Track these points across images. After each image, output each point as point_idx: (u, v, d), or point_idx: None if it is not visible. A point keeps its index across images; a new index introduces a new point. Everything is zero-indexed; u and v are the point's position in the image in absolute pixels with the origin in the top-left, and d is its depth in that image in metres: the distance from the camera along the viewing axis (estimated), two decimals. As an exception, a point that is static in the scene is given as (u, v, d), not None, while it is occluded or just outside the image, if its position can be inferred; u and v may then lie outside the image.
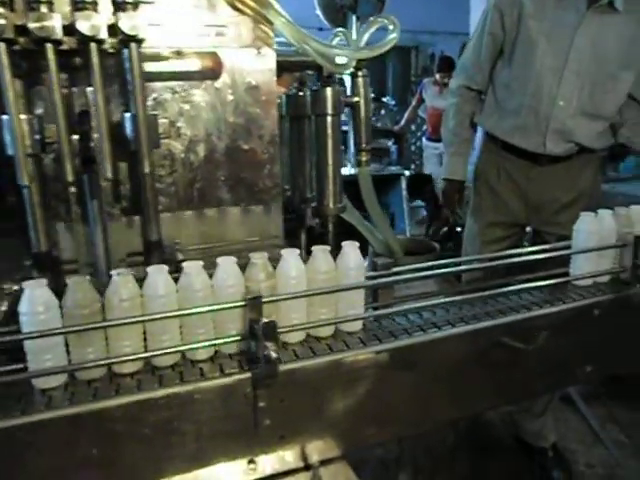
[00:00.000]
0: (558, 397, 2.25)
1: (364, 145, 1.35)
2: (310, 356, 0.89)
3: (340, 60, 1.13)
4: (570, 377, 1.24)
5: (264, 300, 0.81)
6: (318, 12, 4.23)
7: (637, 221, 1.29)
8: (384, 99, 8.55)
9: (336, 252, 1.14)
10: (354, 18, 4.31)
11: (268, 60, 1.03)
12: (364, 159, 1.36)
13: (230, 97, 1.01)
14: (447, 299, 1.11)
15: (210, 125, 1.01)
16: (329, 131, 1.26)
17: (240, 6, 0.97)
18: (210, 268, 0.83)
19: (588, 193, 1.98)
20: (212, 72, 1.00)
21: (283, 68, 1.11)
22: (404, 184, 3.61)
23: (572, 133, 1.85)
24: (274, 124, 1.07)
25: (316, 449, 0.92)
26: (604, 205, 1.35)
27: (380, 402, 0.95)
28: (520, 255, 1.24)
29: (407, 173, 4.04)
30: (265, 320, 0.78)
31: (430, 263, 1.18)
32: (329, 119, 1.26)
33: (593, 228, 1.22)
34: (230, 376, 0.83)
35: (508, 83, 1.91)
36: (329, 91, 1.24)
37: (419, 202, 4.71)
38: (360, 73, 1.30)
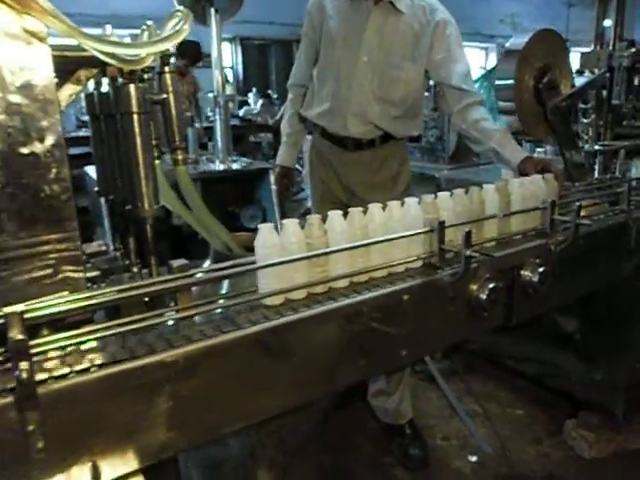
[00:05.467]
0: (408, 375, 2.34)
1: (177, 143, 1.30)
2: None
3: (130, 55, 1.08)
4: (388, 361, 1.29)
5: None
6: (176, 6, 4.10)
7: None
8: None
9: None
10: (213, 11, 4.22)
11: (41, 55, 0.96)
12: (180, 157, 1.32)
13: (-3, 96, 0.92)
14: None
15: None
16: (136, 130, 1.21)
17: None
18: None
19: (394, 176, 2.22)
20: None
21: (63, 64, 1.04)
22: (272, 178, 3.60)
23: (368, 115, 2.09)
24: (56, 124, 1.00)
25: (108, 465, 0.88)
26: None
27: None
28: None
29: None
30: (17, 338, 0.72)
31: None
32: (135, 117, 1.20)
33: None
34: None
35: (319, 74, 2.19)
36: (132, 88, 1.19)
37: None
38: (167, 69, 1.26)
